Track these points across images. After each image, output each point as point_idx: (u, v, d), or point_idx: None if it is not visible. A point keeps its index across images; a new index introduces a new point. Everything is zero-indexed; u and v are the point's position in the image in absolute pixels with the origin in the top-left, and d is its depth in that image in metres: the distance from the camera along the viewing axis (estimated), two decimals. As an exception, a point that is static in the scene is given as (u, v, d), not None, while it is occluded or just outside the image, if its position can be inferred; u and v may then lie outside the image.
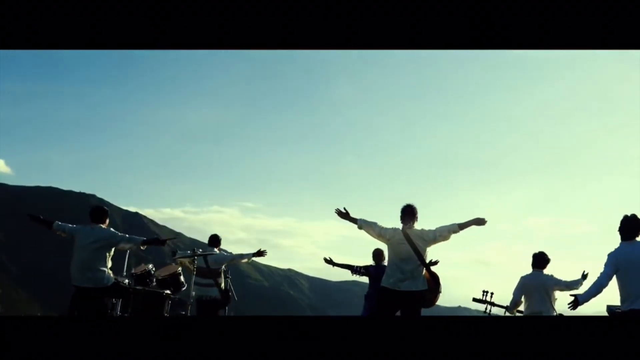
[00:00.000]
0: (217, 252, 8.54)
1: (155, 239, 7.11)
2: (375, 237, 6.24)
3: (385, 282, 6.10)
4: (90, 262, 6.48)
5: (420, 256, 5.97)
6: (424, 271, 6.03)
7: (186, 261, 7.89)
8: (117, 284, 6.73)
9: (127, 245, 6.77)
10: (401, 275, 5.97)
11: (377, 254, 8.80)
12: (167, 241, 7.31)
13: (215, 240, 8.70)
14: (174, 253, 8.16)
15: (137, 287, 7.15)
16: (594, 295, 5.59)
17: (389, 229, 6.14)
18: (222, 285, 8.34)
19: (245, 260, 8.60)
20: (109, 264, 6.62)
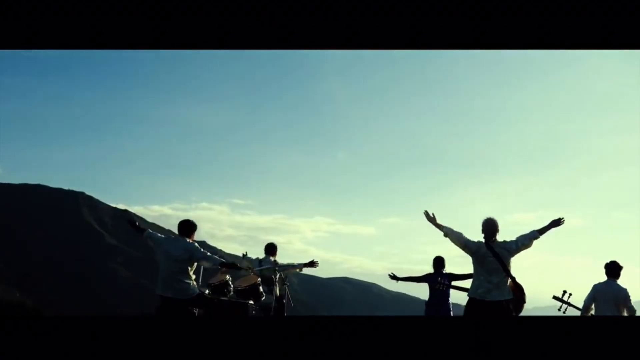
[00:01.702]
0: (272, 260, 8.60)
1: (233, 264, 7.24)
2: (459, 247, 6.37)
3: (473, 293, 6.29)
4: (176, 273, 6.60)
5: (505, 268, 6.15)
6: (509, 281, 6.21)
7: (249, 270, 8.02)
8: (202, 295, 6.83)
9: (206, 264, 6.88)
10: (489, 286, 6.15)
11: (438, 262, 8.88)
12: (243, 269, 7.55)
13: (272, 248, 8.82)
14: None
15: (222, 298, 7.29)
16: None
17: (475, 242, 6.30)
18: (278, 292, 8.33)
19: (297, 270, 8.63)
20: (194, 275, 6.75)
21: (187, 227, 6.89)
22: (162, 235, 6.99)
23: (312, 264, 8.54)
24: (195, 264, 6.78)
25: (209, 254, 6.83)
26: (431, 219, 6.35)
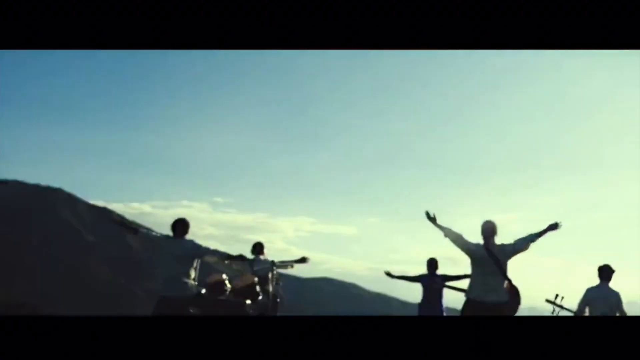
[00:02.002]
0: (263, 259, 8.68)
1: (241, 256, 7.28)
2: (458, 248, 6.45)
3: (471, 294, 6.40)
4: (179, 272, 6.63)
5: (503, 270, 6.25)
6: (506, 283, 6.30)
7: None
8: (200, 294, 6.85)
9: (211, 259, 6.97)
10: (486, 287, 6.25)
11: (432, 263, 8.94)
12: (249, 260, 7.60)
13: (260, 247, 8.88)
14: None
15: (220, 298, 7.31)
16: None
17: (474, 243, 6.38)
18: (271, 291, 8.34)
19: (289, 267, 8.57)
20: (193, 274, 6.76)
21: (184, 226, 6.90)
22: (159, 234, 7.02)
23: (303, 260, 8.51)
24: (196, 262, 6.81)
25: (210, 248, 6.92)
26: (432, 219, 6.41)
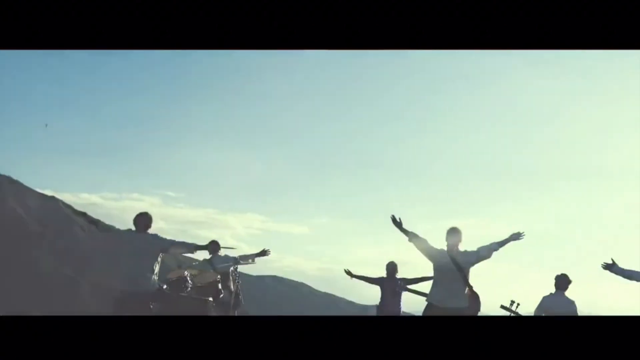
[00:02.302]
0: (222, 255, 8.58)
1: (209, 245, 7.12)
2: (422, 253, 6.52)
3: (433, 299, 6.49)
4: (142, 267, 6.49)
5: (465, 277, 6.35)
6: (467, 290, 6.38)
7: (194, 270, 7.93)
8: (161, 289, 6.73)
9: (178, 250, 6.82)
10: (448, 293, 6.34)
11: (391, 268, 8.97)
12: (222, 248, 7.57)
13: (216, 246, 8.64)
14: None
15: (181, 294, 7.20)
16: None
17: (437, 249, 6.46)
18: (232, 288, 8.36)
19: (250, 261, 8.58)
20: (156, 269, 6.62)
21: (146, 219, 6.73)
22: (120, 229, 6.90)
23: (264, 252, 8.48)
24: (159, 257, 6.67)
25: (176, 240, 6.72)
26: (397, 224, 6.46)
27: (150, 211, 6.69)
